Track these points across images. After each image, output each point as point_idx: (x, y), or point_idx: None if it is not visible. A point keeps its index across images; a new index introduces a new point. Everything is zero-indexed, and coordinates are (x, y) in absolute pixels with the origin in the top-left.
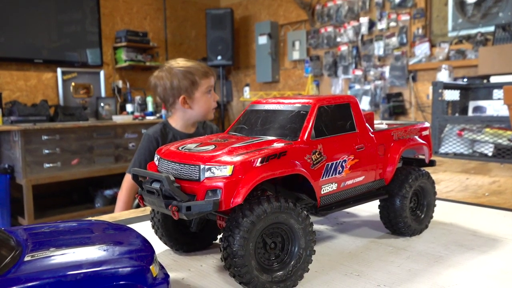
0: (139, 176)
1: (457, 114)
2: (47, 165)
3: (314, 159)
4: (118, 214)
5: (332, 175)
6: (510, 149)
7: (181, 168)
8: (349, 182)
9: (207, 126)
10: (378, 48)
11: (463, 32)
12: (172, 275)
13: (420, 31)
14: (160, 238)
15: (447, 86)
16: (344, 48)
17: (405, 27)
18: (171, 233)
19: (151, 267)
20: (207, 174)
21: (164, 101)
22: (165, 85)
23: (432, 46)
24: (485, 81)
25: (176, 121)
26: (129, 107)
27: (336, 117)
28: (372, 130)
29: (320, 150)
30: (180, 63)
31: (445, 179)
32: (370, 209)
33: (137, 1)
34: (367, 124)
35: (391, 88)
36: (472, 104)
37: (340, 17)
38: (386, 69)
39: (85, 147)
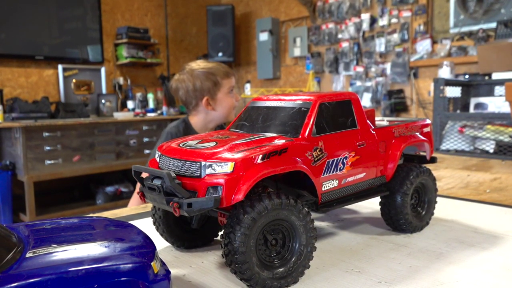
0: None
1: (458, 111)
2: (48, 162)
3: (315, 156)
4: (120, 211)
5: (333, 172)
6: (511, 146)
7: (182, 165)
8: (350, 179)
9: None
10: (380, 45)
11: (465, 29)
12: (173, 271)
13: (422, 27)
14: (161, 235)
15: (449, 83)
16: (345, 44)
17: (406, 23)
18: (172, 229)
19: (152, 263)
20: (208, 170)
21: (186, 104)
22: (188, 87)
23: (434, 42)
24: (486, 77)
25: (197, 122)
26: (130, 104)
27: (337, 114)
28: (373, 127)
29: (321, 147)
30: (200, 64)
31: (446, 176)
32: (371, 206)
33: None
34: (368, 121)
35: (393, 85)
36: (473, 101)
37: (341, 14)
38: (388, 66)
39: (86, 144)
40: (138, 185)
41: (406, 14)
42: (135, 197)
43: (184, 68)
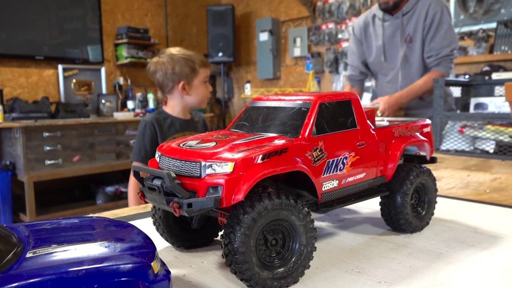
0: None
1: (458, 111)
2: (49, 162)
3: (315, 156)
4: (120, 211)
5: (333, 172)
6: (511, 146)
7: (182, 165)
8: (350, 179)
9: (200, 117)
10: None
11: (465, 29)
12: (173, 271)
13: None
14: (161, 235)
15: (449, 83)
16: (345, 44)
17: None
18: (172, 229)
19: (152, 263)
20: (208, 171)
21: (162, 86)
22: (166, 70)
23: None
24: (486, 78)
25: (173, 108)
26: (130, 104)
27: (337, 114)
28: (373, 127)
29: (321, 147)
30: (180, 51)
31: (446, 176)
32: (371, 206)
33: None
34: (368, 121)
35: None
36: (473, 101)
37: (341, 14)
38: None
39: (86, 144)
40: (131, 182)
41: None
42: (131, 190)
43: (164, 52)
